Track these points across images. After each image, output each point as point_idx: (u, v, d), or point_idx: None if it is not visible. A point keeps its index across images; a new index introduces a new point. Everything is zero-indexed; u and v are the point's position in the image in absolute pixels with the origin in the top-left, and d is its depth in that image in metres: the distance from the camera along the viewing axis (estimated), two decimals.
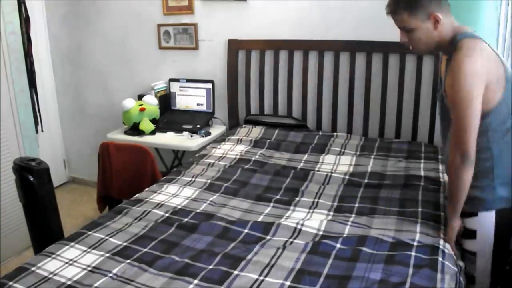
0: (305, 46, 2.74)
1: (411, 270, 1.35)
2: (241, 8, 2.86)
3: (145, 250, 1.50)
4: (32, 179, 1.85)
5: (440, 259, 1.40)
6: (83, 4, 3.37)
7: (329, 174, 2.12)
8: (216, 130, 2.93)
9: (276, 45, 2.80)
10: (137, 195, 1.95)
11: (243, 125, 2.88)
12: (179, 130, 2.80)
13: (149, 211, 1.77)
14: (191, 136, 2.73)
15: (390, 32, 2.53)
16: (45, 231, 1.91)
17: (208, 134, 2.79)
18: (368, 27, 2.58)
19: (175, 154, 3.15)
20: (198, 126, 2.84)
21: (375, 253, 1.45)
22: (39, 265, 1.41)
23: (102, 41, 3.42)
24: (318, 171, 2.17)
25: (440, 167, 2.16)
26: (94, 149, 2.93)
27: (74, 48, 3.53)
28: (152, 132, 2.81)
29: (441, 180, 2.00)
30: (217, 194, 1.93)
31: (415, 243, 1.49)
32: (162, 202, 1.86)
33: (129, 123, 2.86)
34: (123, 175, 2.52)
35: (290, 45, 2.76)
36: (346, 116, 2.74)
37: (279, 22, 2.80)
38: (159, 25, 3.15)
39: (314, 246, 1.50)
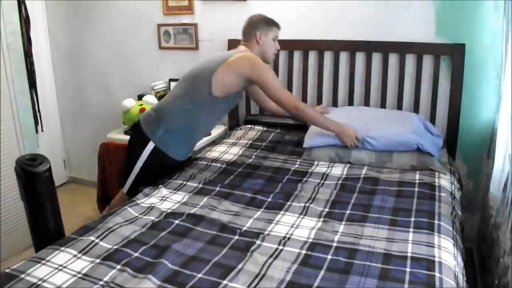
0: (305, 46, 2.74)
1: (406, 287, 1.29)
2: (241, 8, 2.86)
3: (136, 254, 1.46)
4: (33, 178, 1.84)
5: (437, 274, 1.34)
6: (83, 4, 3.38)
7: (322, 181, 2.06)
8: (216, 130, 2.92)
9: None
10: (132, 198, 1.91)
11: (240, 127, 2.87)
12: None
13: (139, 217, 1.72)
14: None
15: (390, 32, 2.57)
16: (46, 230, 1.91)
17: (208, 134, 2.79)
18: (368, 27, 2.59)
19: None
20: None
21: (368, 265, 1.40)
22: (28, 271, 1.35)
23: (102, 41, 3.42)
24: (312, 173, 2.14)
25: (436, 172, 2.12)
26: (94, 149, 2.94)
27: (74, 48, 3.53)
28: None
29: (436, 185, 1.97)
30: (208, 197, 1.90)
31: (409, 254, 1.44)
32: (153, 205, 1.83)
33: (129, 123, 2.86)
34: None
35: (290, 45, 2.76)
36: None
37: (279, 22, 2.80)
38: (159, 25, 3.15)
39: (305, 257, 1.46)
